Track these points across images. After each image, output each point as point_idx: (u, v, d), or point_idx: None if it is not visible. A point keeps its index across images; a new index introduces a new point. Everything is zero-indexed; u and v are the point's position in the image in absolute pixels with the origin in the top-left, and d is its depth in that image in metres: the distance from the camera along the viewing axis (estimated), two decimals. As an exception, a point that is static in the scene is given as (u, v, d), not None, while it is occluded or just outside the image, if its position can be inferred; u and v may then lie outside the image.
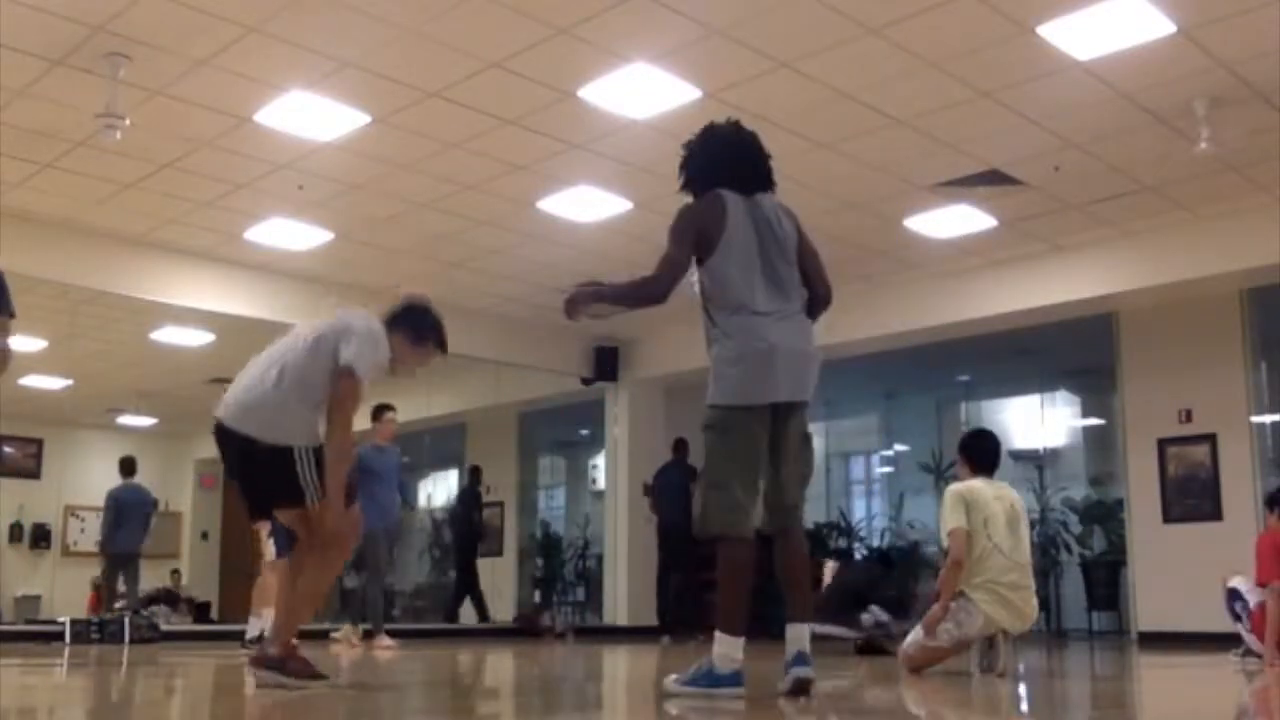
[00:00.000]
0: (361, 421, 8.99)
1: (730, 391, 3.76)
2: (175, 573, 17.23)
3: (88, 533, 17.00)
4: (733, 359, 3.78)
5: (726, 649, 3.70)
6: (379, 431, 8.97)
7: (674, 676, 3.84)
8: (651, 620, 12.40)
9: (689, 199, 4.21)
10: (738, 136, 4.20)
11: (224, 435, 4.26)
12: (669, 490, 11.72)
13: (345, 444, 4.20)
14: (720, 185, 4.05)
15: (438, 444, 15.87)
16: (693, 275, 4.05)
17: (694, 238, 3.98)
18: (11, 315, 4.80)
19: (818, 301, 4.06)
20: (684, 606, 11.21)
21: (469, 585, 12.94)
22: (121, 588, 11.60)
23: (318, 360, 4.21)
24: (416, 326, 4.47)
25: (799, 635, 3.78)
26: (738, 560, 3.75)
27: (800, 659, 3.74)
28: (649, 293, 3.91)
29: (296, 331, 4.42)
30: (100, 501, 11.93)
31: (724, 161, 4.17)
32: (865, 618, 7.97)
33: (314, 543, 4.22)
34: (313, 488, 4.08)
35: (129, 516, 11.65)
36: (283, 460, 4.09)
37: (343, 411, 4.15)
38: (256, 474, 4.24)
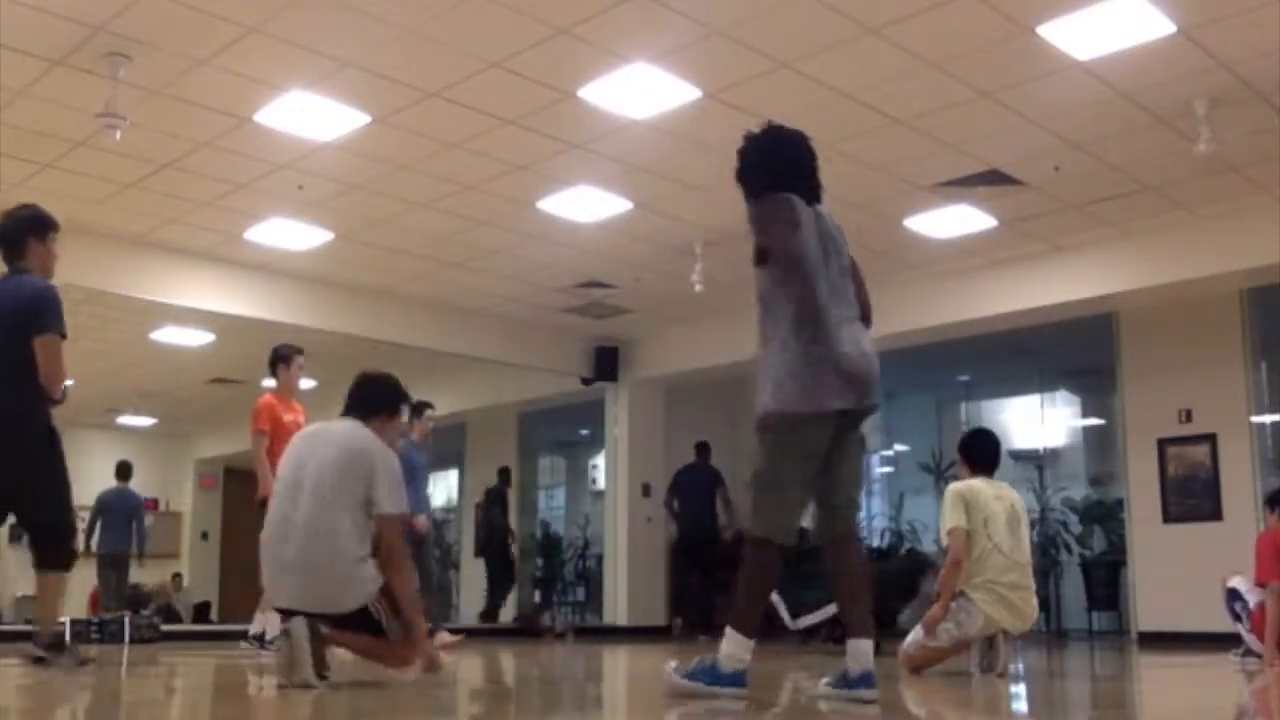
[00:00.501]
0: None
1: (795, 398, 3.69)
2: (176, 576, 17.21)
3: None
4: (798, 365, 3.71)
5: (735, 649, 3.66)
6: (417, 429, 8.78)
7: (674, 665, 3.81)
8: (652, 620, 12.44)
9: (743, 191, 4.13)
10: (806, 145, 4.08)
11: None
12: (691, 492, 12.07)
13: (411, 586, 4.31)
14: (785, 189, 3.94)
15: (438, 444, 15.71)
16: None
17: (787, 228, 3.84)
18: (62, 336, 4.96)
19: (862, 318, 4.02)
20: (702, 606, 11.34)
21: (507, 585, 13.15)
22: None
23: (350, 511, 4.16)
24: (390, 403, 4.53)
25: (863, 652, 3.69)
26: (771, 564, 3.72)
27: (866, 679, 3.66)
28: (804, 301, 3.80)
29: (312, 484, 4.19)
30: (93, 504, 12.01)
31: (795, 166, 4.04)
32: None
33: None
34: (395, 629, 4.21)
35: (113, 520, 11.75)
36: (363, 615, 4.16)
37: (400, 556, 4.23)
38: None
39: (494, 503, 13.51)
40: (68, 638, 6.67)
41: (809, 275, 3.78)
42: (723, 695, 3.62)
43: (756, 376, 3.83)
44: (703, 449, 12.31)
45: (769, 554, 3.71)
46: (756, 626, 3.70)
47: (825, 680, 3.83)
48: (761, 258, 3.88)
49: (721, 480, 12.21)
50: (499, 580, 13.25)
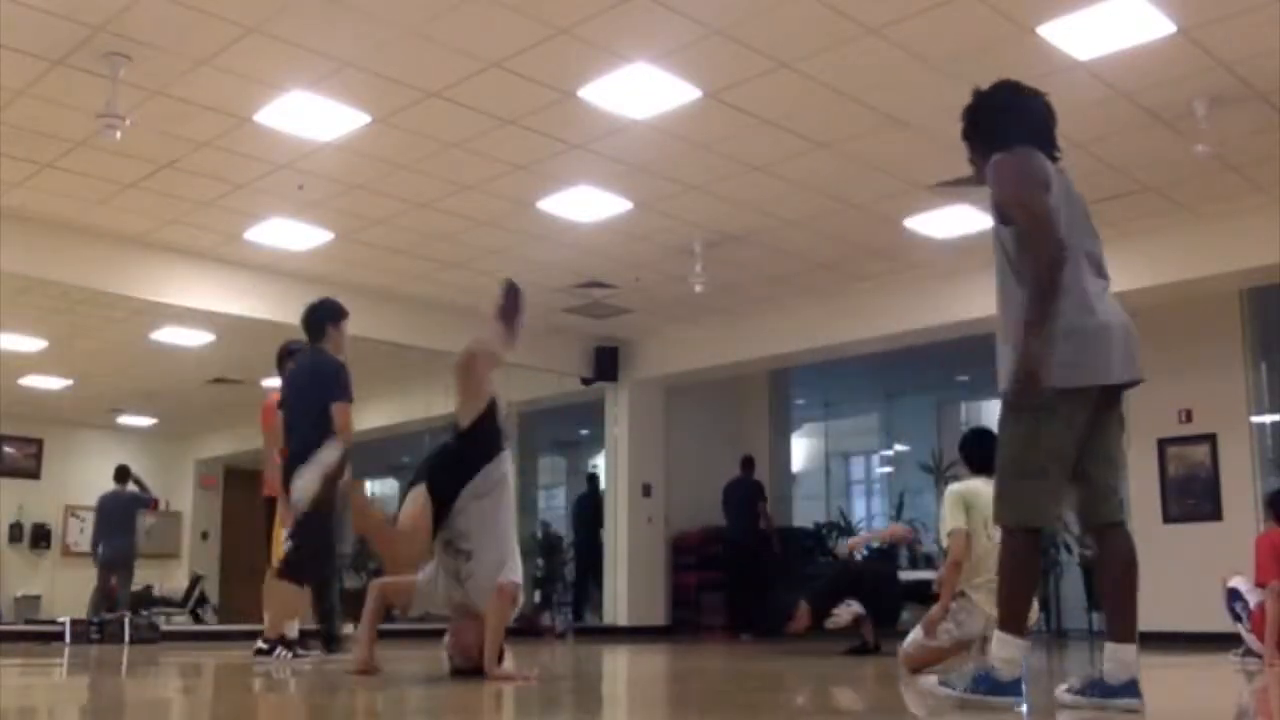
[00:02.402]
0: (378, 419, 9.03)
1: (1059, 372, 3.31)
2: (199, 579, 17.04)
3: (87, 533, 16.91)
4: (1060, 335, 3.34)
5: (1010, 652, 3.33)
6: None
7: (935, 678, 3.55)
8: (651, 620, 12.46)
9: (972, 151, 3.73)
10: (1046, 102, 3.73)
11: None
12: (736, 505, 12.49)
13: None
14: (1027, 144, 3.54)
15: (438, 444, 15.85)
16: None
17: (1041, 186, 3.45)
18: (350, 401, 6.22)
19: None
20: (756, 609, 11.53)
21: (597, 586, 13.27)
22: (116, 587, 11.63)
23: None
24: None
25: (1127, 659, 3.30)
26: (1031, 554, 3.42)
27: (1131, 688, 3.28)
28: (1051, 270, 3.37)
29: None
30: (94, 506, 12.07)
31: (1039, 121, 3.68)
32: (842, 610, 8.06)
33: None
34: None
35: (112, 523, 11.77)
36: None
37: None
38: None
39: (589, 507, 13.56)
40: (68, 638, 6.71)
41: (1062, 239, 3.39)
42: (1002, 705, 3.30)
43: (999, 345, 3.53)
44: (747, 463, 12.76)
45: (1030, 541, 3.39)
46: (1024, 624, 3.40)
47: (1068, 687, 3.46)
48: (1008, 216, 3.53)
49: (762, 493, 12.69)
50: (595, 582, 13.35)
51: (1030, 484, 3.37)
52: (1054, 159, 3.57)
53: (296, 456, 6.09)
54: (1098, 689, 3.33)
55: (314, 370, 6.35)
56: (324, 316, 6.51)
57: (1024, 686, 3.33)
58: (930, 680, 3.52)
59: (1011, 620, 3.37)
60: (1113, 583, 3.43)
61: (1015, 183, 3.47)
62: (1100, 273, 3.56)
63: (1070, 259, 3.39)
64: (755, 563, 12.01)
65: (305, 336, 6.57)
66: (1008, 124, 3.61)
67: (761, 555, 12.15)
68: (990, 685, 3.32)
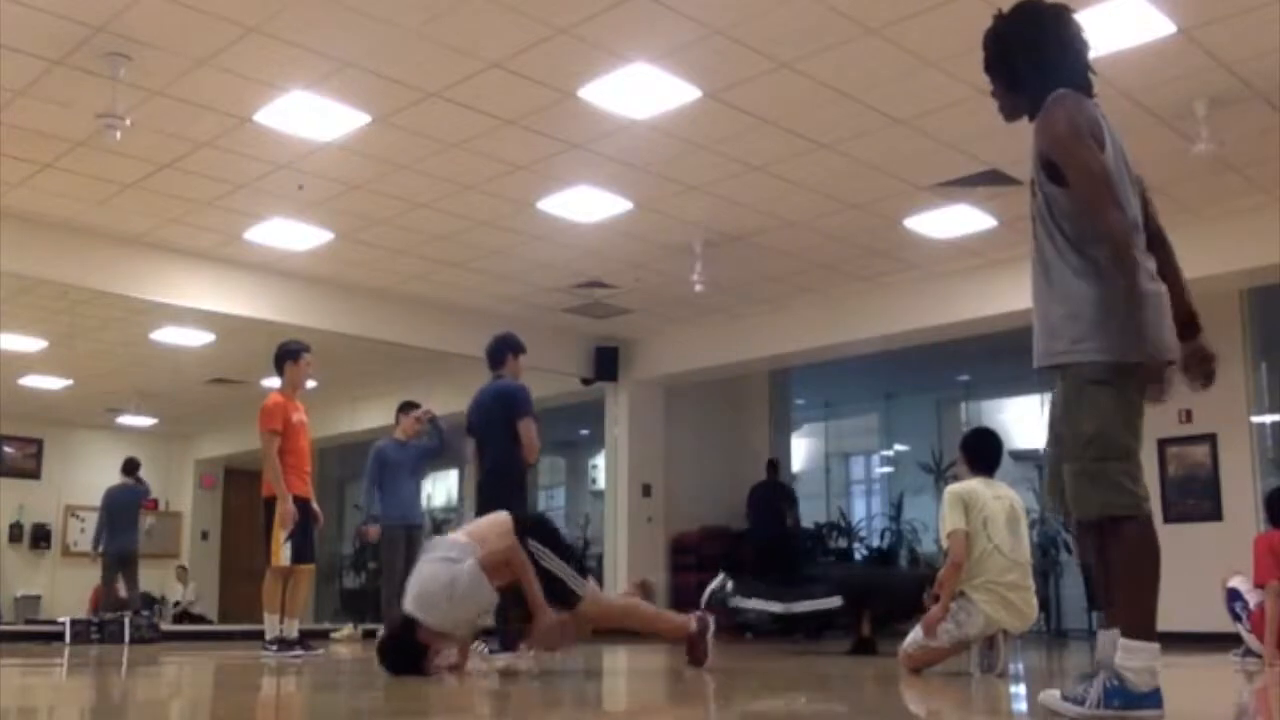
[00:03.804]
0: (378, 419, 9.07)
1: (1129, 343, 3.00)
2: (182, 569, 17.08)
3: (88, 533, 16.89)
4: (1114, 301, 3.03)
5: (1144, 660, 2.94)
6: (402, 427, 8.93)
7: (1056, 692, 3.12)
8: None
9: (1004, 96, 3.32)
10: (1078, 24, 3.27)
11: None
12: (763, 508, 12.59)
13: None
14: (1062, 85, 3.16)
15: (454, 441, 15.83)
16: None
17: (1093, 141, 3.07)
18: (535, 420, 7.03)
19: (1160, 245, 3.30)
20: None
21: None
22: (124, 593, 11.58)
23: None
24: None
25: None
26: (1154, 542, 3.02)
27: (1153, 697, 2.98)
28: (1124, 242, 3.02)
29: None
30: (100, 502, 11.98)
31: (1074, 53, 3.24)
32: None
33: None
34: None
35: (121, 516, 11.70)
36: None
37: None
38: None
39: (779, 497, 13.48)
40: (68, 638, 6.67)
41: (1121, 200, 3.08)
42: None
43: (1035, 321, 3.20)
44: (772, 466, 12.90)
45: (1146, 529, 3.03)
46: (1154, 628, 3.00)
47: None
48: (1058, 175, 3.12)
49: (789, 495, 12.89)
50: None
51: (1122, 466, 3.03)
52: (1091, 94, 3.22)
53: (491, 474, 6.97)
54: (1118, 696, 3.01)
55: (498, 393, 7.09)
56: (506, 348, 7.27)
57: (1162, 696, 2.96)
58: (1052, 695, 3.11)
59: (1144, 623, 2.97)
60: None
61: (1068, 137, 3.07)
62: (1142, 233, 3.20)
63: (1132, 223, 3.09)
64: (777, 564, 12.03)
65: (487, 364, 7.34)
66: (1040, 58, 3.21)
67: (784, 556, 12.18)
68: (1125, 699, 2.94)
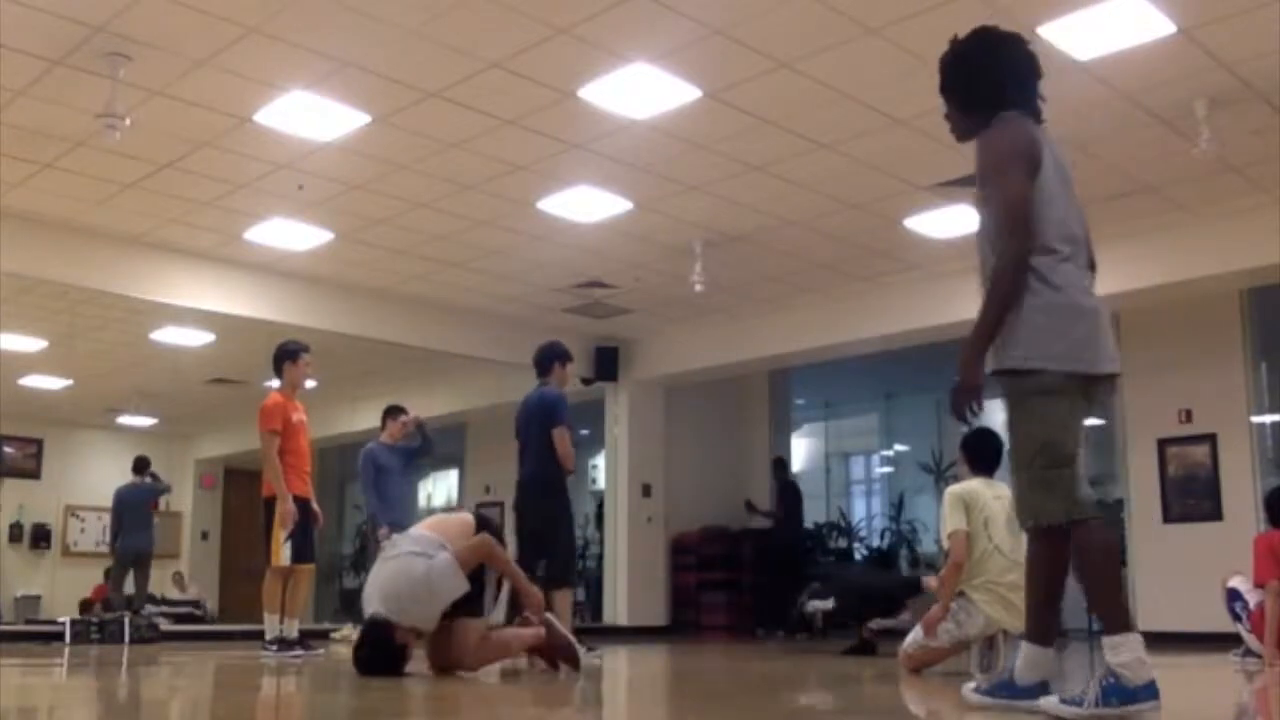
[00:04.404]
0: (377, 419, 9.13)
1: (1063, 353, 3.14)
2: (177, 574, 17.13)
3: (88, 533, 17.00)
4: (1063, 312, 3.15)
5: (1131, 651, 3.02)
6: (389, 431, 9.00)
7: (1055, 698, 3.15)
8: (651, 620, 12.46)
9: (959, 118, 3.51)
10: (1029, 52, 3.44)
11: None
12: (792, 506, 12.64)
13: None
14: (1012, 108, 3.34)
15: (438, 444, 15.83)
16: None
17: (1026, 166, 3.22)
18: (570, 428, 7.00)
19: (1090, 266, 3.38)
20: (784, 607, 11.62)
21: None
22: (129, 589, 11.59)
23: None
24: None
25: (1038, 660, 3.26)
26: (1113, 541, 3.23)
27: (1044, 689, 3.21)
28: (1014, 267, 3.15)
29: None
30: (100, 501, 11.98)
31: (1024, 78, 3.42)
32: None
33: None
34: None
35: (132, 515, 11.71)
36: None
37: None
38: None
39: (790, 497, 13.50)
40: (68, 638, 6.69)
41: (1056, 213, 3.23)
42: (1143, 711, 3.04)
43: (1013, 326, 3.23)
44: (781, 465, 13.05)
45: (1103, 531, 3.17)
46: (1132, 619, 3.12)
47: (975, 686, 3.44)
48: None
49: (798, 493, 12.87)
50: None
51: (1067, 472, 3.13)
52: (1039, 119, 3.40)
53: (529, 479, 7.08)
54: (1005, 689, 3.33)
55: (540, 401, 7.17)
56: (553, 356, 7.31)
57: (1158, 687, 3.02)
58: (1051, 700, 3.15)
59: (1120, 617, 3.07)
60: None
61: (1000, 159, 3.26)
62: (1082, 248, 3.31)
63: (1064, 230, 3.23)
64: (787, 562, 12.05)
65: (535, 372, 7.35)
66: (990, 89, 3.38)
67: (794, 555, 12.25)
68: (1122, 695, 3.00)
